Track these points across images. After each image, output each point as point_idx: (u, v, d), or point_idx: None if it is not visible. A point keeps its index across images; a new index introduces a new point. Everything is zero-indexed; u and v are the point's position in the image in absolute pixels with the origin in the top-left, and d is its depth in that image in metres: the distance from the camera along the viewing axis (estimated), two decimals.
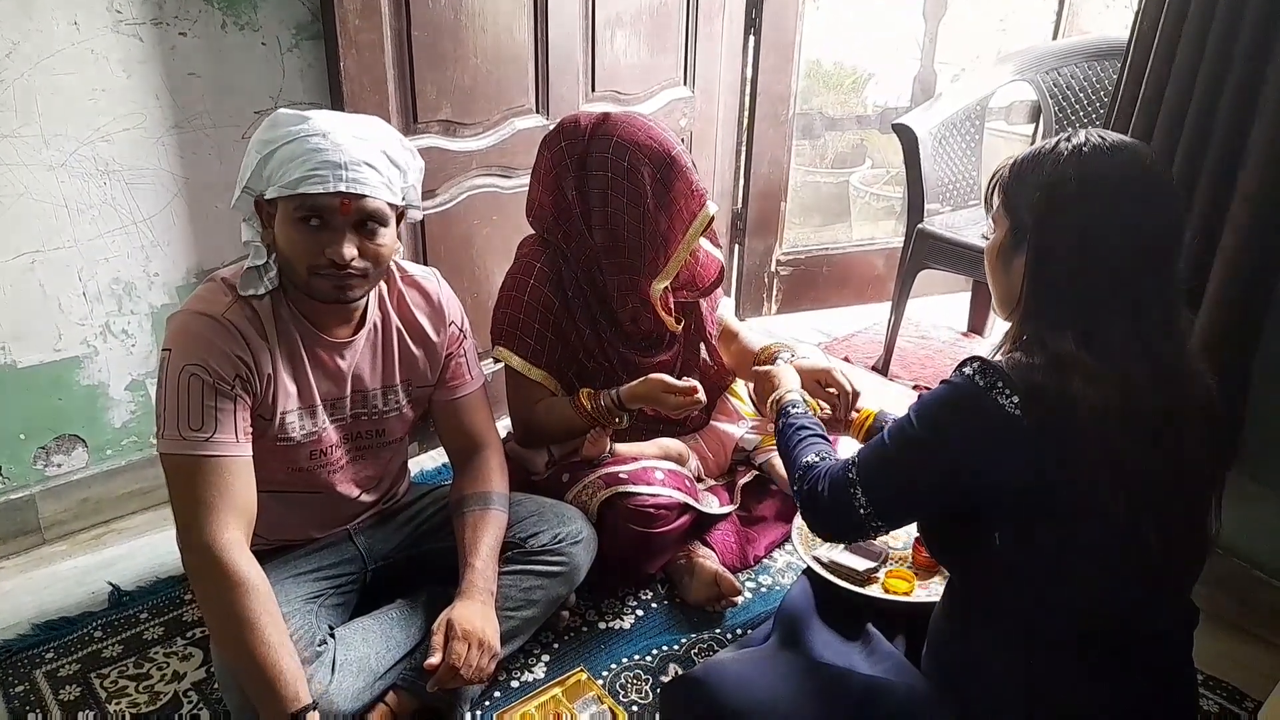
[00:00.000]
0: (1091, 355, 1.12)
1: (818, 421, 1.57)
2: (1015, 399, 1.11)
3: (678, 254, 1.89)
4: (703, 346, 2.14)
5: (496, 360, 1.98)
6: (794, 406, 1.61)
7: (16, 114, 1.82)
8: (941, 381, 1.23)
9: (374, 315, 1.62)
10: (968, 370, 1.16)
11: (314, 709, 1.38)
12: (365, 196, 1.42)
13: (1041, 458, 1.12)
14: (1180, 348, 1.18)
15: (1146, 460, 1.12)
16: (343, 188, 1.39)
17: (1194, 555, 1.23)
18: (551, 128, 1.94)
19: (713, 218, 1.89)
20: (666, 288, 1.93)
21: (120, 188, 1.98)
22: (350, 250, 1.42)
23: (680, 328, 2.03)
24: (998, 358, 1.18)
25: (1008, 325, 1.26)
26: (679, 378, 2.04)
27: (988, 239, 1.30)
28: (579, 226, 1.89)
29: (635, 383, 1.88)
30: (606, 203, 1.86)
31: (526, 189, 2.51)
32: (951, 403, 1.19)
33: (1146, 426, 1.12)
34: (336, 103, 2.09)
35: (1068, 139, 1.19)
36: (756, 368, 1.90)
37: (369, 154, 1.43)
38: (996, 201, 1.26)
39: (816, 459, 1.39)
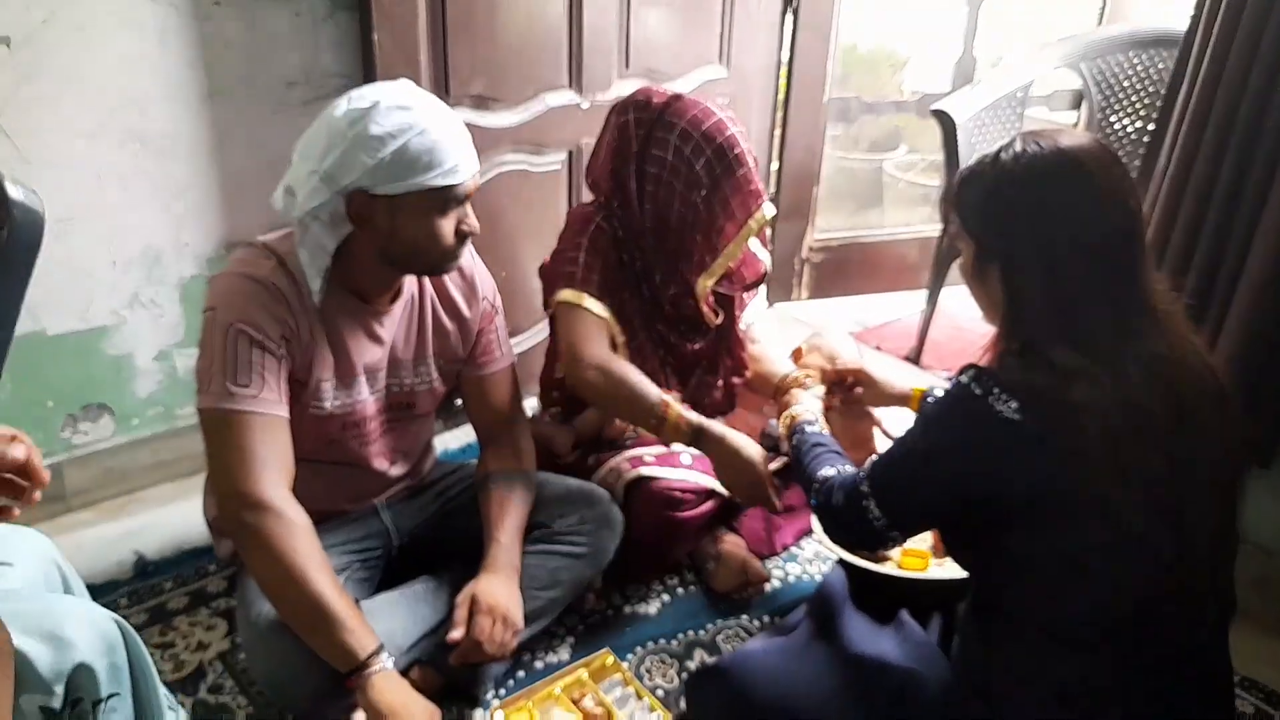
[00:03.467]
0: (1084, 357, 1.11)
1: (832, 438, 1.58)
2: (1013, 404, 1.11)
3: (728, 251, 1.82)
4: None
5: (548, 318, 1.90)
6: (809, 425, 1.62)
7: (52, 81, 1.82)
8: (942, 391, 1.23)
9: (410, 287, 1.61)
10: (964, 379, 1.16)
11: (384, 649, 1.39)
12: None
13: (1045, 461, 1.11)
14: (1176, 340, 1.16)
15: (1153, 458, 1.10)
16: (474, 171, 1.46)
17: (1218, 551, 1.19)
18: (622, 99, 1.89)
19: (769, 220, 1.85)
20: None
21: (152, 157, 1.97)
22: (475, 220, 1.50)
23: (719, 321, 1.99)
24: (989, 363, 1.18)
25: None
26: (713, 367, 2.02)
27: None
28: (632, 201, 1.85)
29: (727, 430, 1.73)
30: (660, 185, 1.81)
31: (556, 169, 2.52)
32: (951, 412, 1.20)
33: (1150, 424, 1.10)
34: (369, 76, 2.07)
35: (1006, 148, 1.19)
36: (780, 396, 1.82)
37: (464, 130, 1.46)
38: (954, 221, 1.26)
39: (832, 471, 1.41)
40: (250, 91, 2.04)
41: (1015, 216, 1.17)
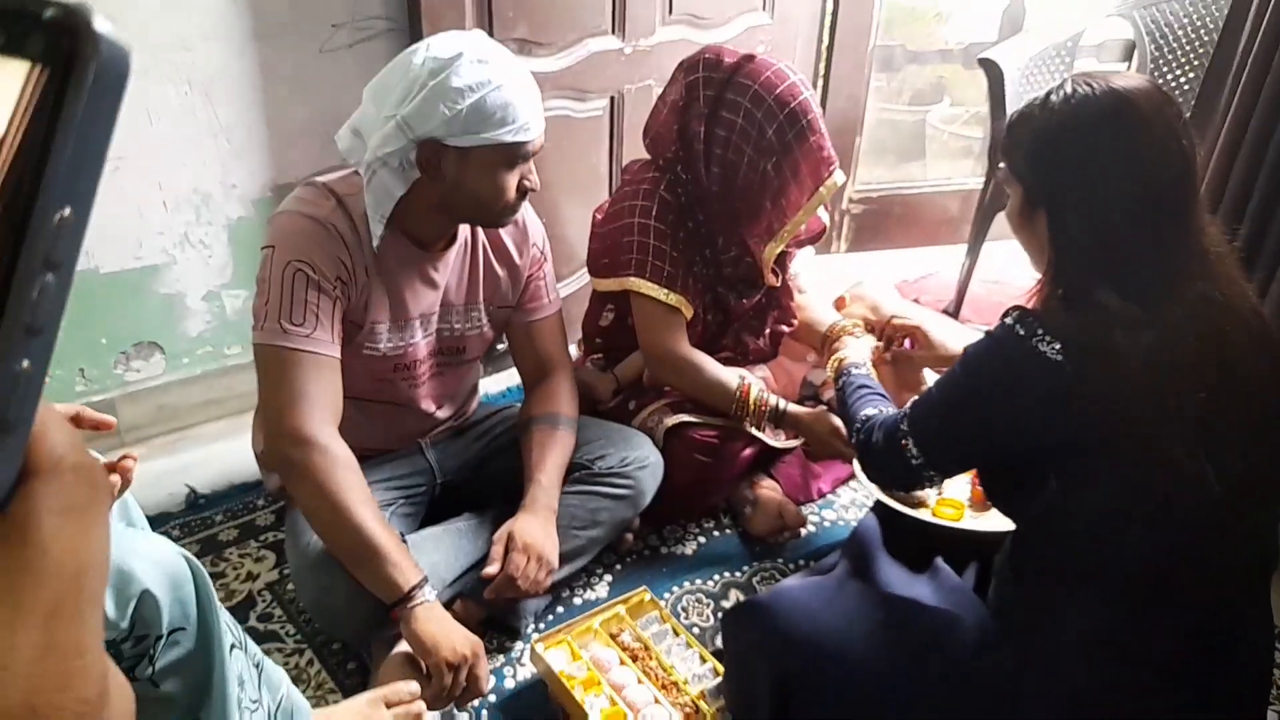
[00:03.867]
0: (1129, 301, 1.10)
1: (877, 382, 1.59)
2: (1057, 345, 1.10)
3: (797, 219, 1.81)
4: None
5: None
6: (855, 368, 1.63)
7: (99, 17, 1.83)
8: (985, 333, 1.22)
9: (464, 234, 1.63)
10: (1008, 320, 1.16)
11: (427, 582, 1.43)
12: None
13: (1088, 404, 1.10)
14: (1226, 284, 1.15)
15: (1197, 403, 1.09)
16: (542, 130, 1.48)
17: (1263, 496, 1.18)
18: (691, 56, 1.86)
19: (839, 187, 1.83)
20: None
21: (200, 97, 1.99)
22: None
23: (778, 282, 1.99)
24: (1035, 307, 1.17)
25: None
26: (764, 321, 2.02)
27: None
28: (698, 164, 1.84)
29: (808, 410, 1.87)
30: (729, 148, 1.79)
31: (598, 114, 2.51)
32: (994, 353, 1.19)
33: (1194, 369, 1.09)
34: (414, 18, 2.06)
35: (1056, 90, 1.17)
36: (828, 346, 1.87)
37: (536, 88, 1.47)
38: (1002, 165, 1.25)
39: (874, 411, 1.42)
40: (296, 33, 2.04)
41: (1065, 159, 1.16)
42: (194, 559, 0.98)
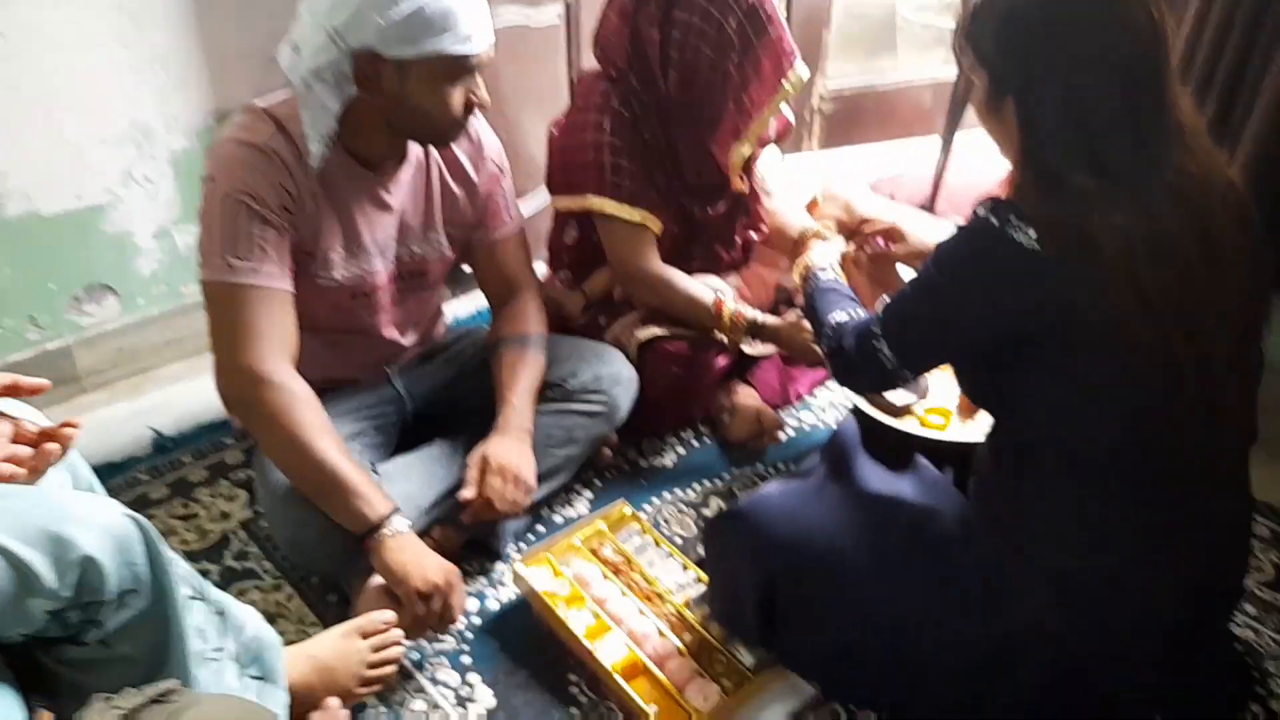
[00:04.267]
0: (1104, 181, 1.07)
1: (845, 285, 1.56)
2: (1031, 232, 1.07)
3: (763, 118, 1.75)
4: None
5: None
6: (821, 272, 1.59)
7: None
8: (958, 226, 1.19)
9: (416, 153, 1.56)
10: (981, 211, 1.13)
11: (400, 511, 1.41)
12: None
13: (1065, 289, 1.08)
14: (1201, 157, 1.12)
15: (1176, 281, 1.07)
16: (490, 43, 1.39)
17: (1241, 375, 1.17)
18: None
19: (804, 82, 1.76)
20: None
21: (129, 24, 1.88)
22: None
23: (745, 186, 1.93)
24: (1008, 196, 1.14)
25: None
26: (730, 225, 1.98)
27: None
28: (653, 70, 1.76)
29: (780, 320, 1.84)
30: (685, 50, 1.71)
31: (555, 23, 2.40)
32: (968, 245, 1.17)
33: (1172, 246, 1.07)
34: None
35: None
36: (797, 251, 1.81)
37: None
38: (968, 54, 1.20)
39: (844, 316, 1.39)
40: None
41: (1032, 38, 1.11)
42: (142, 519, 0.95)
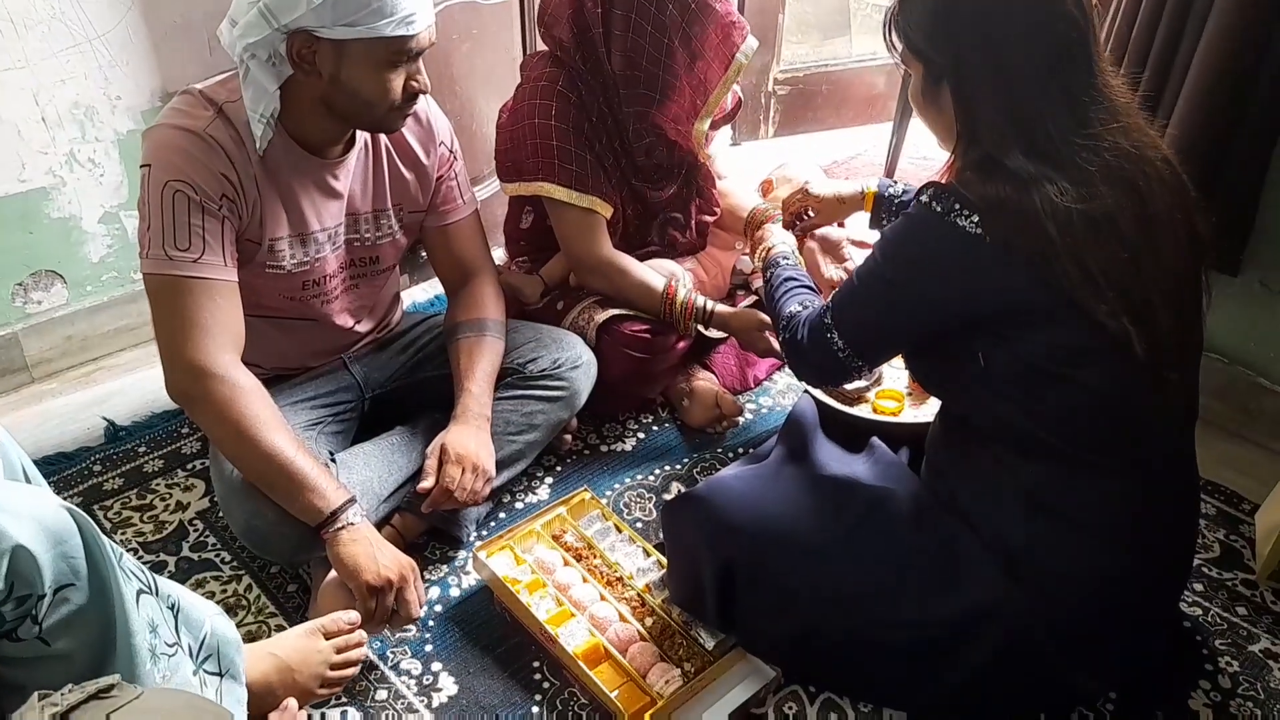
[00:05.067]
0: (1042, 162, 1.10)
1: (805, 273, 1.58)
2: (975, 218, 1.10)
3: (717, 94, 1.76)
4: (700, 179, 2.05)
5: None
6: (783, 258, 1.61)
7: None
8: (901, 214, 1.21)
9: (363, 136, 1.53)
10: (923, 198, 1.15)
11: (355, 502, 1.40)
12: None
13: (1010, 272, 1.11)
14: (1135, 133, 1.15)
15: (1118, 257, 1.10)
16: (430, 24, 1.36)
17: (1183, 351, 1.20)
18: None
19: (753, 53, 1.76)
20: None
21: (66, 1, 1.83)
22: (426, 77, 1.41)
23: (713, 163, 1.93)
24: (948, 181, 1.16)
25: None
26: (684, 208, 1.98)
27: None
28: (597, 50, 1.74)
29: (734, 310, 1.84)
30: (629, 29, 1.70)
31: (506, 2, 2.37)
32: (912, 234, 1.19)
33: (1113, 222, 1.10)
34: None
35: None
36: (750, 230, 1.84)
37: None
38: (899, 45, 1.22)
39: (799, 308, 1.41)
40: None
41: (962, 23, 1.14)
42: (79, 511, 0.92)
